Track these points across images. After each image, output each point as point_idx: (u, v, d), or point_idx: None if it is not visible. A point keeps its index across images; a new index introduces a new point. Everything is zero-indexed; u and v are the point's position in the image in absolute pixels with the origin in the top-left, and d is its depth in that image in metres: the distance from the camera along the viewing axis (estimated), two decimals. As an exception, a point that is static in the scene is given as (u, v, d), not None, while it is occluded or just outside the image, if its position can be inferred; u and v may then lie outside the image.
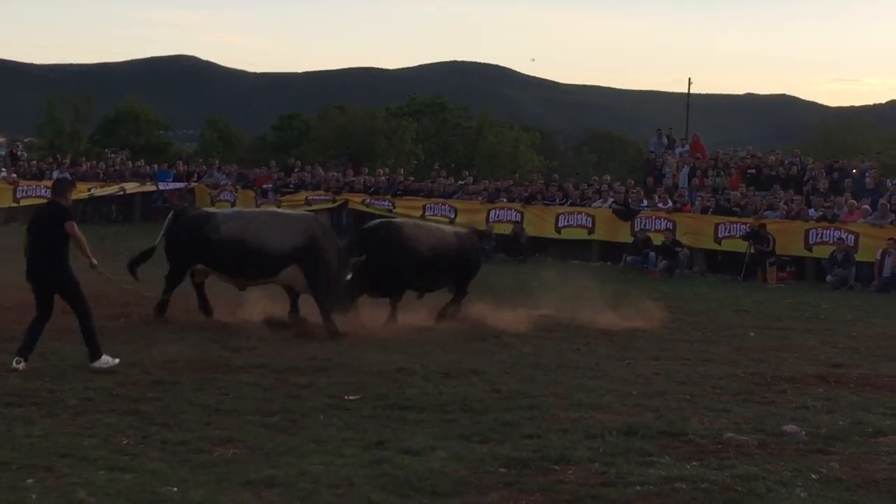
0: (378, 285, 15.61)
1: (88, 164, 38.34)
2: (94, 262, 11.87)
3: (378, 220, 16.82)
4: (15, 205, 34.31)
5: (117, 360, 11.75)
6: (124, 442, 8.76)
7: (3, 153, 47.00)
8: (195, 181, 38.29)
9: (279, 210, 20.11)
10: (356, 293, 15.30)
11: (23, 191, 34.55)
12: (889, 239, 24.67)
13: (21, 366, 11.36)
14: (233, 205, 36.09)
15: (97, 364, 11.63)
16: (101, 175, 36.94)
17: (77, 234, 11.69)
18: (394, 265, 15.59)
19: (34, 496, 6.98)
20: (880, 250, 24.76)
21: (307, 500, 7.26)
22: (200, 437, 8.99)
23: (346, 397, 10.75)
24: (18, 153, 39.83)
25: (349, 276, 15.01)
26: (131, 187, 36.72)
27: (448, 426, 9.69)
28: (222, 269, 15.02)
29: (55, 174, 35.83)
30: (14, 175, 34.98)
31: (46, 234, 11.75)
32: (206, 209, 16.31)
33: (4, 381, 10.73)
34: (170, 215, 14.62)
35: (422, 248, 15.93)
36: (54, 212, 11.96)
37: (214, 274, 15.20)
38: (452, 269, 16.41)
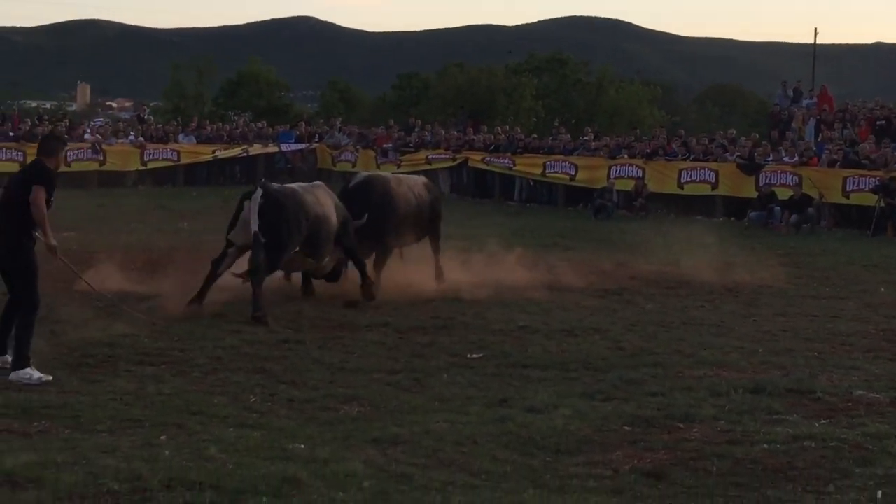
0: (369, 244, 14.79)
1: (212, 126, 38.93)
2: (54, 243, 9.86)
3: (361, 176, 15.65)
4: (142, 167, 35.10)
5: (47, 378, 9.38)
6: (252, 400, 8.93)
7: (130, 117, 48.06)
8: (317, 142, 38.65)
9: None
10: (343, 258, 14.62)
11: (149, 154, 35.24)
12: None
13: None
14: (354, 165, 36.45)
15: (17, 375, 9.36)
16: (225, 137, 37.50)
17: (39, 204, 9.52)
18: (387, 221, 14.85)
19: (167, 452, 7.14)
20: None
21: (432, 458, 7.31)
22: (326, 395, 9.12)
23: (469, 356, 10.80)
24: (145, 117, 40.64)
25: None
26: (254, 149, 37.23)
27: (571, 384, 9.68)
28: (307, 247, 13.64)
29: (181, 137, 36.57)
30: (141, 138, 35.69)
31: (15, 197, 9.69)
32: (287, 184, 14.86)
33: (135, 341, 10.98)
34: (257, 194, 12.91)
35: (410, 202, 15.38)
36: (32, 172, 9.93)
37: (295, 254, 13.56)
38: (429, 220, 15.86)
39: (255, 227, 12.73)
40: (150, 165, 35.27)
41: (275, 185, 13.69)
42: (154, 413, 8.35)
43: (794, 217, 25.68)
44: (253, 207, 12.85)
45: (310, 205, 13.54)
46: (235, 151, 36.89)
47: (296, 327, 12.11)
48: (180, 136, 36.77)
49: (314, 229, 13.45)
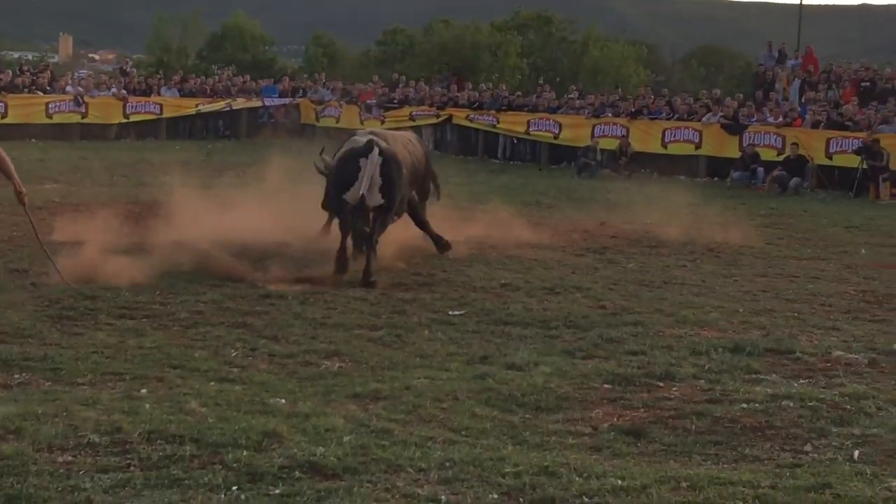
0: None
1: (195, 80, 38.71)
2: (23, 190, 10.34)
3: (363, 137, 13.57)
4: (125, 120, 34.93)
5: None
6: (233, 354, 8.94)
7: (113, 69, 47.73)
8: (300, 97, 38.53)
9: None
10: None
11: (132, 106, 35.03)
12: None
13: None
14: (337, 120, 36.38)
15: None
16: (209, 91, 37.32)
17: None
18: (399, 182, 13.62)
19: (147, 406, 7.15)
20: None
21: (412, 414, 7.33)
22: (307, 350, 9.13)
23: (450, 312, 10.82)
24: (128, 69, 40.36)
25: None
26: (238, 103, 37.09)
27: (552, 342, 9.71)
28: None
29: (164, 90, 36.38)
30: (124, 91, 35.47)
31: None
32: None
33: (116, 294, 10.95)
34: (374, 154, 12.39)
35: (408, 161, 14.18)
36: None
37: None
38: (423, 177, 14.98)
39: (376, 188, 12.47)
40: (133, 118, 35.07)
41: (382, 141, 13.01)
42: (135, 366, 8.35)
43: (794, 180, 25.62)
44: (371, 168, 12.47)
45: (408, 163, 13.45)
46: (219, 106, 36.74)
47: (278, 282, 12.08)
48: (163, 90, 36.55)
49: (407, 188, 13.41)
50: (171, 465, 6.10)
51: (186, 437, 6.46)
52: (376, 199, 12.60)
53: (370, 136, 13.01)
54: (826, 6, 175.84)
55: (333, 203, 13.11)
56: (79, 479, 5.85)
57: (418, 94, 36.71)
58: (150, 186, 20.13)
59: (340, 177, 12.81)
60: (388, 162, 12.71)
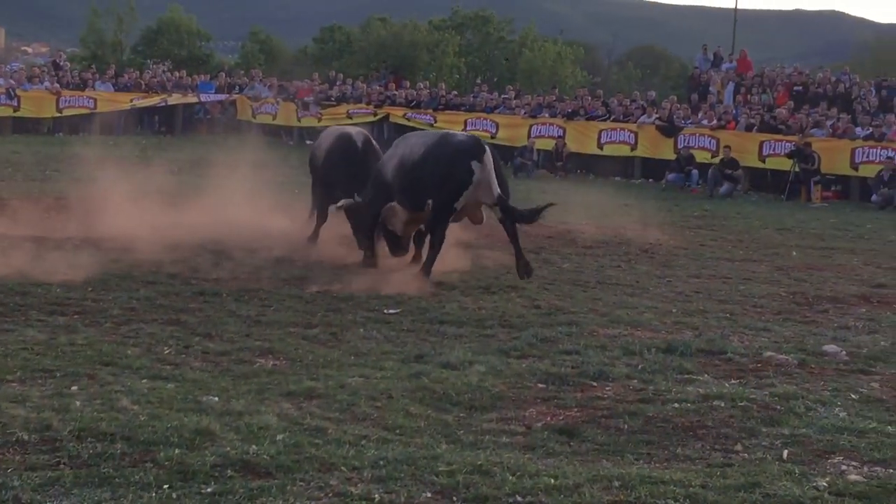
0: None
1: (130, 74, 38.33)
2: None
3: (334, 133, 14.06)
4: (58, 115, 34.49)
5: None
6: (166, 351, 8.86)
7: (46, 63, 47.10)
8: (237, 93, 38.29)
9: None
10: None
11: (65, 101, 34.60)
12: (936, 158, 24.37)
13: None
14: (274, 117, 36.27)
15: None
16: (144, 86, 36.98)
17: None
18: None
19: (78, 403, 7.07)
20: (927, 170, 24.48)
21: (346, 412, 7.31)
22: (241, 347, 9.08)
23: (385, 311, 10.80)
24: (61, 63, 39.86)
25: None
26: (173, 99, 36.80)
27: (487, 341, 9.73)
28: None
29: (98, 85, 35.98)
30: (57, 85, 35.05)
31: None
32: None
33: (47, 291, 10.82)
34: (489, 154, 12.11)
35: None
36: None
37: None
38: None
39: (496, 189, 12.19)
40: (66, 113, 34.63)
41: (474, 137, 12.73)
42: (65, 363, 8.25)
43: (725, 186, 25.85)
44: (489, 168, 12.12)
45: None
46: (154, 101, 36.42)
47: (213, 280, 12.02)
48: (97, 84, 36.15)
49: None
50: (101, 463, 6.04)
51: (117, 435, 6.40)
52: (492, 198, 12.32)
53: (468, 136, 12.70)
54: (760, 10, 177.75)
55: (438, 212, 12.37)
56: (7, 478, 5.77)
57: (356, 92, 36.68)
58: (83, 182, 19.89)
59: (448, 182, 12.18)
60: (496, 157, 12.45)
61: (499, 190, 12.26)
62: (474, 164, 12.15)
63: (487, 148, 12.36)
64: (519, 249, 12.36)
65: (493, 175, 12.23)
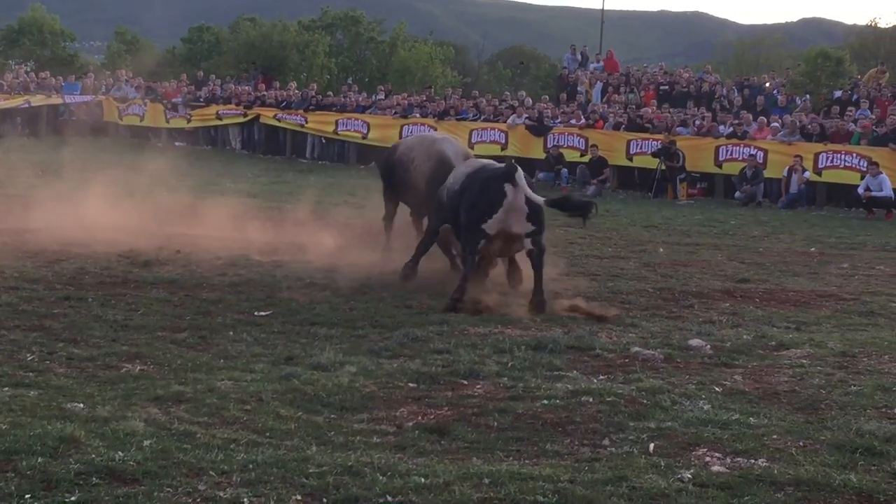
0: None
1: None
2: None
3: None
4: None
5: None
6: (29, 358, 8.66)
7: None
8: (103, 94, 37.63)
9: None
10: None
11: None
12: (795, 156, 25.06)
13: None
14: (141, 119, 35.73)
15: None
16: (5, 87, 36.14)
17: None
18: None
19: (-64, 414, 6.88)
20: (787, 167, 25.16)
21: (215, 416, 7.23)
22: (107, 353, 8.91)
23: (256, 313, 10.72)
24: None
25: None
26: (37, 100, 36.00)
27: (358, 342, 9.71)
28: None
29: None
30: (-88, 86, 34.10)
31: None
32: None
33: None
34: (520, 175, 11.36)
35: None
36: None
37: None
38: None
39: (523, 216, 11.42)
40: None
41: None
42: (-77, 372, 8.02)
43: (591, 188, 26.18)
44: (522, 193, 11.33)
45: None
46: (16, 102, 35.64)
47: (78, 284, 11.79)
48: (-42, 86, 35.28)
49: None
50: (-40, 474, 5.88)
51: (-22, 446, 6.23)
52: (526, 227, 11.54)
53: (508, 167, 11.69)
54: (627, 11, 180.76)
55: (466, 233, 11.76)
56: None
57: (225, 93, 36.34)
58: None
59: (480, 204, 11.52)
60: (532, 185, 11.80)
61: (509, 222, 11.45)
62: (507, 188, 11.42)
63: (521, 172, 11.52)
64: (539, 284, 11.56)
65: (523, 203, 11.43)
